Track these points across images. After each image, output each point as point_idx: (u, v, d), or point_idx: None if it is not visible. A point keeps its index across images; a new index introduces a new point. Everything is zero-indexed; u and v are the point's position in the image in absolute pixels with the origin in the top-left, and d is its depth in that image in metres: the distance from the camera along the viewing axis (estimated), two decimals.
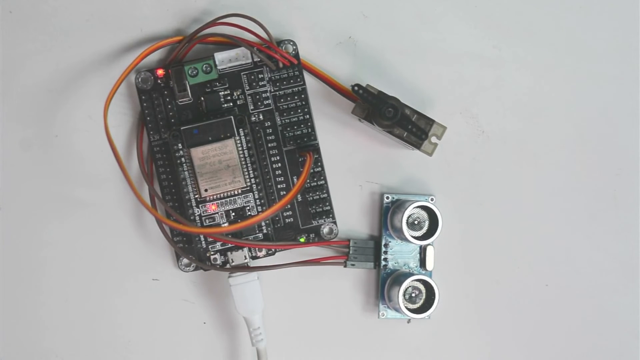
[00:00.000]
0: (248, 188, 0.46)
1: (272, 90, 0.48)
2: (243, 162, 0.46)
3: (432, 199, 0.49)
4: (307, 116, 0.48)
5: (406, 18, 0.49)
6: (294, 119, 0.48)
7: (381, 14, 0.49)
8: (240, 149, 0.46)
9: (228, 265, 0.47)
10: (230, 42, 0.47)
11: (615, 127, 0.50)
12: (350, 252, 0.48)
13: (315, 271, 0.49)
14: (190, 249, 0.48)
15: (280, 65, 0.47)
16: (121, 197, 0.49)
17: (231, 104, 0.48)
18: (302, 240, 0.48)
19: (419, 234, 0.48)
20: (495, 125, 0.50)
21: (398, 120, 0.45)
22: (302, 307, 0.50)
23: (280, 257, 0.48)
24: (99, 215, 0.49)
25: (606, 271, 0.50)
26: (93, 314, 0.49)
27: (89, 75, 0.48)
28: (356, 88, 0.45)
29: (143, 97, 0.47)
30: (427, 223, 0.48)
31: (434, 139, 0.46)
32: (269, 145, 0.48)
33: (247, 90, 0.48)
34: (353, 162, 0.49)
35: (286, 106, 0.48)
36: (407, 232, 0.47)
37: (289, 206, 0.48)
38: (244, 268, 0.47)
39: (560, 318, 0.50)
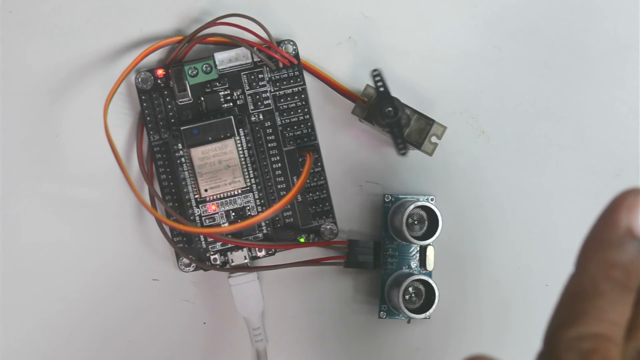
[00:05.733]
0: (248, 188, 0.46)
1: (272, 90, 0.48)
2: (243, 162, 0.46)
3: (432, 199, 0.49)
4: (307, 116, 0.48)
5: (406, 18, 0.49)
6: (294, 119, 0.48)
7: (381, 14, 0.49)
8: (240, 149, 0.46)
9: (228, 265, 0.47)
10: (230, 42, 0.47)
11: (615, 127, 0.50)
12: (350, 252, 0.48)
13: (315, 271, 0.49)
14: (190, 249, 0.48)
15: (280, 65, 0.47)
16: (121, 197, 0.48)
17: (231, 104, 0.47)
18: (302, 240, 0.48)
19: (419, 234, 0.48)
20: (495, 125, 0.50)
21: (394, 122, 0.44)
22: (302, 307, 0.50)
23: (280, 257, 0.48)
24: (99, 215, 0.49)
25: None
26: (93, 314, 0.49)
27: (89, 75, 0.48)
28: (375, 72, 0.44)
29: (143, 97, 0.47)
30: (427, 223, 0.48)
31: (434, 139, 0.46)
32: (269, 145, 0.48)
33: (247, 90, 0.48)
34: (353, 162, 0.49)
35: (286, 106, 0.48)
36: (407, 232, 0.47)
37: (288, 206, 0.48)
38: (244, 268, 0.47)
39: None
